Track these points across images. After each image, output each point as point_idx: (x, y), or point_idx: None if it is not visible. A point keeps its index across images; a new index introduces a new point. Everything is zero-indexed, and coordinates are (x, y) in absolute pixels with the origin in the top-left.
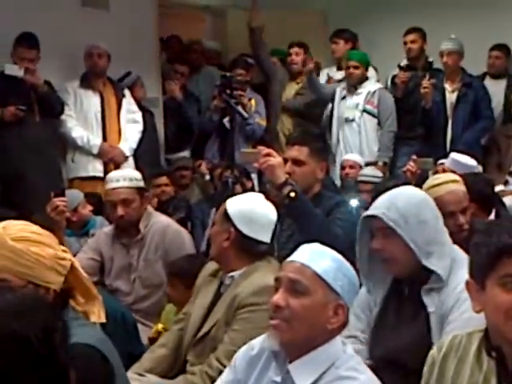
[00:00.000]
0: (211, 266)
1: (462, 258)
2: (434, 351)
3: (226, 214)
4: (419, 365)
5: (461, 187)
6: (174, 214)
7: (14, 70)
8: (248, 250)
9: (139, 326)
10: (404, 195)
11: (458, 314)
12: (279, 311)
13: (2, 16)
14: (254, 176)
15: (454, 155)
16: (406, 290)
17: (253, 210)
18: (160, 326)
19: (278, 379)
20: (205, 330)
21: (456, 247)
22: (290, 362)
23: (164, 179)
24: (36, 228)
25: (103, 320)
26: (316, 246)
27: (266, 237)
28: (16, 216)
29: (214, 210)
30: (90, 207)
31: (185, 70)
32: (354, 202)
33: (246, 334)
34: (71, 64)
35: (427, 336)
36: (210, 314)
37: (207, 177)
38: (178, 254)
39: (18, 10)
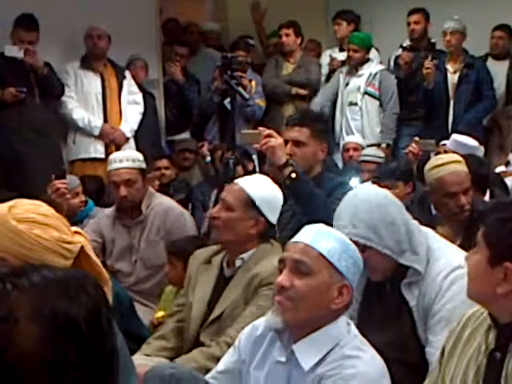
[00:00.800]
0: (201, 254)
1: (436, 244)
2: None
3: (250, 202)
4: (407, 358)
5: (463, 168)
6: (174, 195)
7: (14, 52)
8: (265, 234)
9: (141, 307)
10: (364, 203)
11: (440, 305)
12: (284, 291)
13: None
14: (254, 157)
15: (455, 136)
16: (388, 287)
17: (276, 198)
18: (161, 313)
19: (283, 359)
20: (217, 312)
21: (429, 231)
22: (295, 342)
23: (165, 162)
24: (45, 209)
25: (110, 303)
26: (321, 226)
27: (275, 220)
28: (16, 197)
29: (214, 191)
30: (82, 198)
31: (184, 52)
32: (354, 182)
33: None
34: (71, 45)
35: (413, 331)
36: (221, 297)
37: (208, 158)
38: (179, 236)
39: None
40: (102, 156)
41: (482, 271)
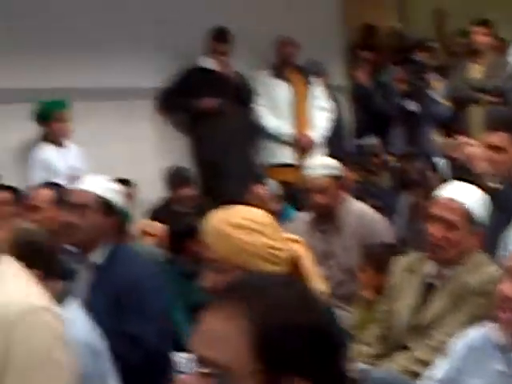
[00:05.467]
0: (404, 261)
1: None
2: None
3: (472, 218)
4: None
5: None
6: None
7: (208, 63)
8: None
9: (339, 311)
10: None
11: None
12: (508, 302)
13: (194, 10)
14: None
15: None
16: None
17: (486, 206)
18: None
19: (506, 369)
20: (424, 319)
21: None
22: None
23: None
24: (255, 215)
25: None
26: None
27: None
28: (218, 202)
29: (405, 196)
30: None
31: (370, 56)
32: None
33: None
34: (258, 53)
35: None
36: (428, 304)
37: (397, 164)
38: (374, 241)
39: (212, 4)
40: (292, 162)
41: None
